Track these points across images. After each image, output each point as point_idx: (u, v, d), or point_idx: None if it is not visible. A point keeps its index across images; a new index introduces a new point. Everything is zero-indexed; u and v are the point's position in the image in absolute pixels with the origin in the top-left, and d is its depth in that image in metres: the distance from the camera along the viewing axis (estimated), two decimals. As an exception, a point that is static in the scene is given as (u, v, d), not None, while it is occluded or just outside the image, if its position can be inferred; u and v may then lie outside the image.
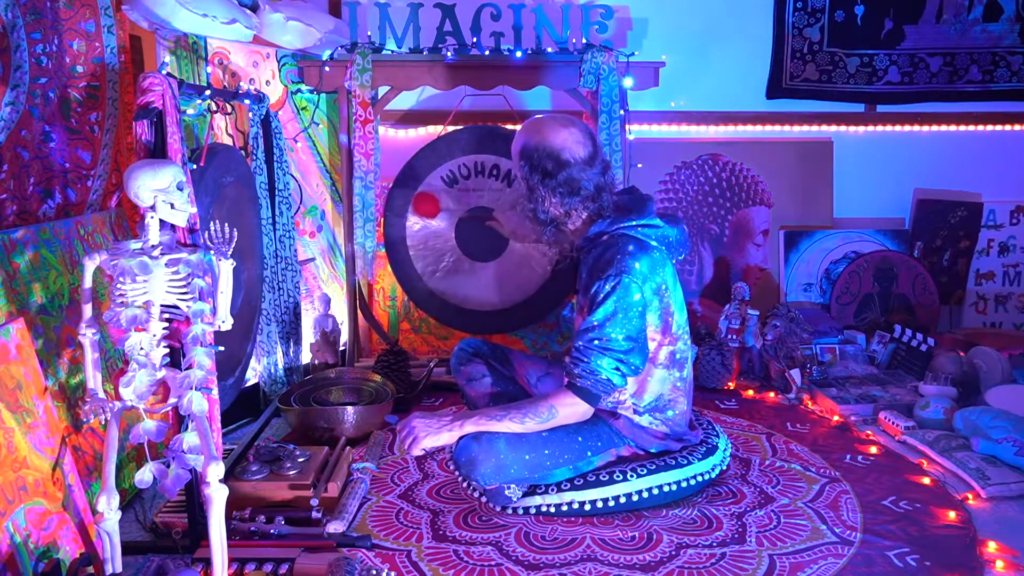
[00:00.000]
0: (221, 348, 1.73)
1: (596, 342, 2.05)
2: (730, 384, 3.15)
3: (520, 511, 2.13)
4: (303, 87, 3.26)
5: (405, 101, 3.52)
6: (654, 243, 2.14)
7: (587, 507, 2.11)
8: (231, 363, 2.47)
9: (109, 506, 1.61)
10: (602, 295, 2.05)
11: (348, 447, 2.47)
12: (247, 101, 2.67)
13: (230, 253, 1.74)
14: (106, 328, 1.76)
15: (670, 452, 2.21)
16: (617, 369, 2.06)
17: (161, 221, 1.68)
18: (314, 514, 2.08)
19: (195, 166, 2.07)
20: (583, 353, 2.07)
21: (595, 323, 2.05)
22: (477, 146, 3.14)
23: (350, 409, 2.63)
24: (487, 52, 3.13)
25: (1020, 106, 3.79)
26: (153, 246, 1.66)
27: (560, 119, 2.21)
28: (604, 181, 2.18)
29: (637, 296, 2.05)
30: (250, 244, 2.64)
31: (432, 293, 3.24)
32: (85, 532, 1.77)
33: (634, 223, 2.13)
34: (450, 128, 3.22)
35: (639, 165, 3.24)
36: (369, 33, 3.15)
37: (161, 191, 1.65)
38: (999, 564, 1.89)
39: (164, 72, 1.88)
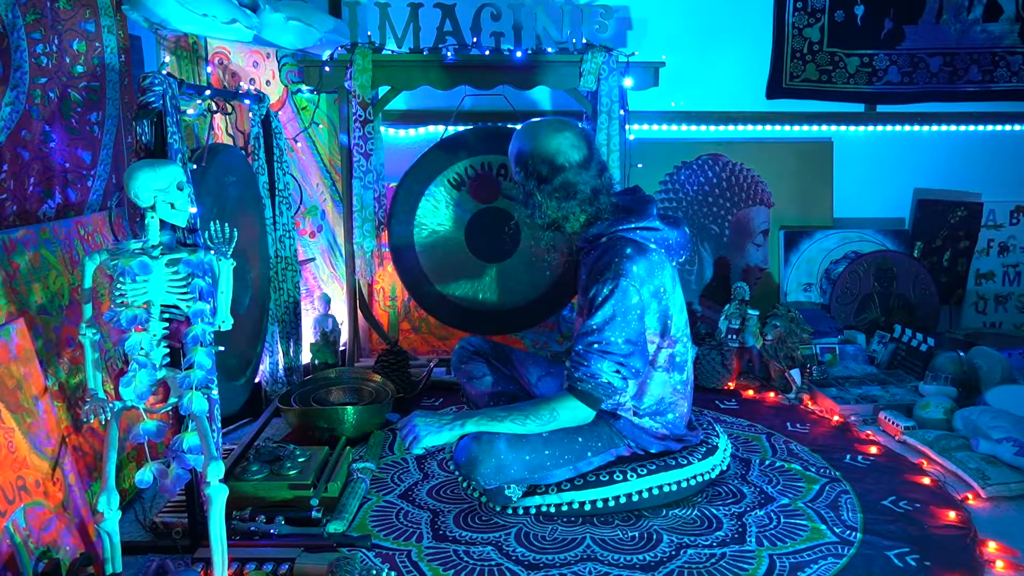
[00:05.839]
0: (221, 348, 1.73)
1: (596, 345, 2.04)
2: (730, 384, 3.15)
3: (520, 511, 2.13)
4: (303, 87, 3.26)
5: (405, 101, 3.52)
6: (653, 245, 2.13)
7: (587, 507, 2.11)
8: (242, 363, 2.47)
9: (109, 506, 1.61)
10: (600, 298, 2.05)
11: (348, 447, 2.48)
12: (247, 101, 2.67)
13: (231, 253, 1.74)
14: (106, 328, 1.76)
15: (670, 452, 2.21)
16: (617, 372, 2.05)
17: (161, 221, 1.68)
18: (314, 514, 2.08)
19: (195, 166, 2.07)
20: (583, 357, 2.06)
21: (594, 327, 2.05)
22: (484, 146, 3.12)
23: (350, 409, 2.63)
24: (487, 52, 3.12)
25: (1020, 106, 3.79)
26: (153, 246, 1.66)
27: (554, 123, 2.21)
28: (601, 183, 2.17)
29: (635, 299, 2.05)
30: (254, 244, 2.65)
31: (441, 296, 3.20)
32: (85, 532, 1.77)
33: (632, 225, 2.13)
34: (452, 129, 3.21)
35: (639, 165, 3.24)
36: (369, 33, 3.15)
37: (161, 191, 1.65)
38: (999, 564, 1.89)
39: (164, 72, 1.88)
